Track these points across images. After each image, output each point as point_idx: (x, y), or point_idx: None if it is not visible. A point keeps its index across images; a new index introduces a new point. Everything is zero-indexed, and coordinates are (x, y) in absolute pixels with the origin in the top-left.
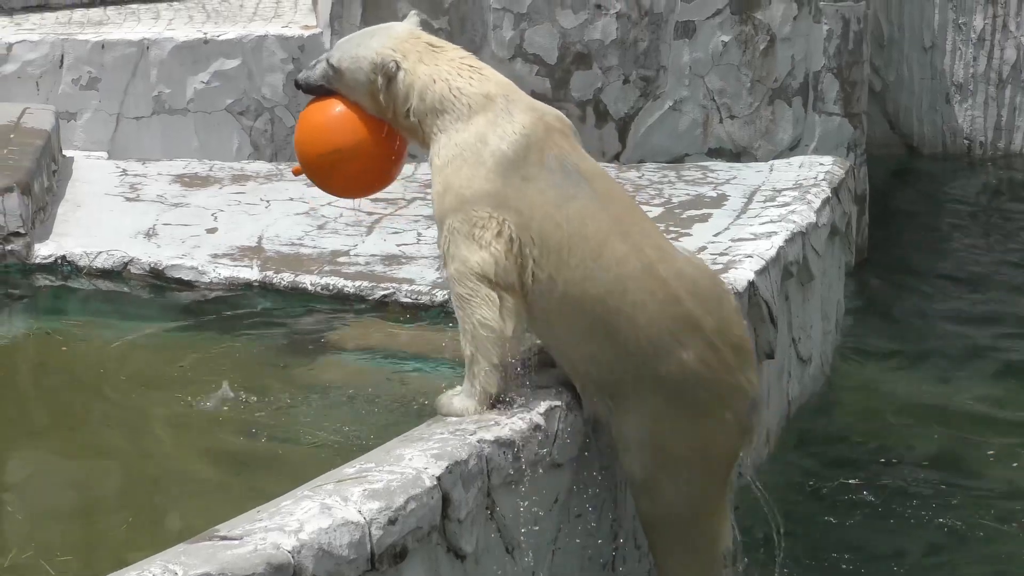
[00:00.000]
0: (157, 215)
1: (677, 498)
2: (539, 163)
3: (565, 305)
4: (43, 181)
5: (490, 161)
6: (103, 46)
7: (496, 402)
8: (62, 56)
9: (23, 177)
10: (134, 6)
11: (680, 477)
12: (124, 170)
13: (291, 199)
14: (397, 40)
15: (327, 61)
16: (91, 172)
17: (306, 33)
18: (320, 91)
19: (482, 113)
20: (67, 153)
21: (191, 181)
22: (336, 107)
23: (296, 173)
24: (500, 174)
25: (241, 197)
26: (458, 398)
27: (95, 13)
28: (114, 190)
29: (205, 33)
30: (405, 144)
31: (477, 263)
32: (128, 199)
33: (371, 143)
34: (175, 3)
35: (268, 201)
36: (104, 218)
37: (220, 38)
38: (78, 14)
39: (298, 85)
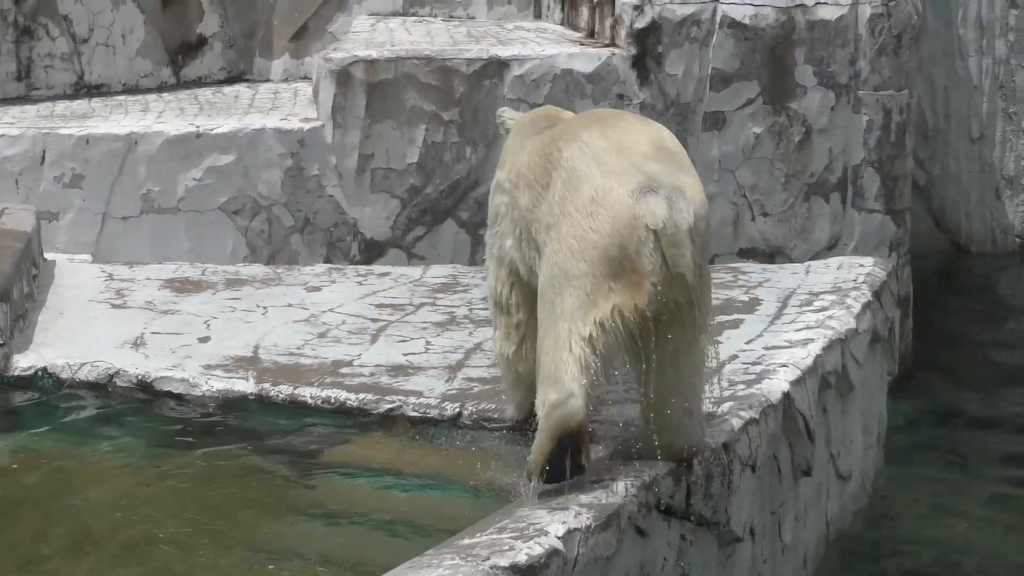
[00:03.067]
0: (145, 323)
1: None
2: None
3: None
4: (23, 287)
5: None
6: (88, 141)
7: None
8: (44, 151)
9: (1, 283)
10: (121, 98)
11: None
12: (110, 274)
13: (290, 305)
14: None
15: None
16: (75, 277)
17: (306, 126)
18: None
19: None
20: (49, 256)
21: (182, 286)
22: None
23: None
24: None
25: (236, 303)
26: None
27: (79, 105)
28: (99, 296)
29: (198, 126)
30: None
31: None
32: (114, 306)
33: None
34: (165, 94)
35: (265, 308)
36: (88, 327)
37: (214, 131)
38: (61, 106)
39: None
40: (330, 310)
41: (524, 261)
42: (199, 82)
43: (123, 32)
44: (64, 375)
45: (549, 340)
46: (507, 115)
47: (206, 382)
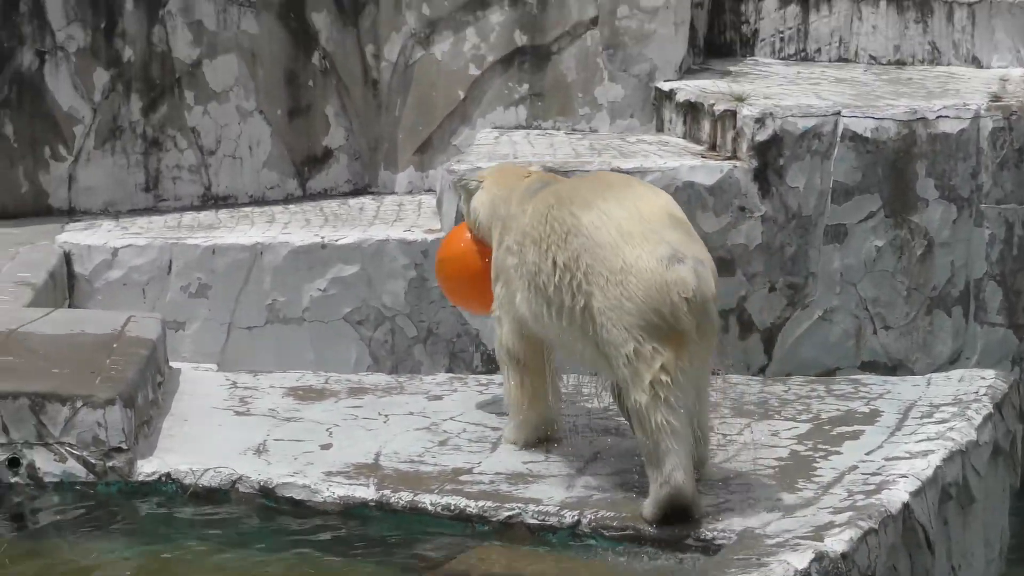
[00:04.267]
0: (268, 430)
1: None
2: None
3: None
4: (147, 393)
5: None
6: (214, 251)
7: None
8: (170, 261)
9: (126, 389)
10: (247, 209)
11: None
12: (234, 382)
13: (411, 413)
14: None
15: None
16: (199, 384)
17: (430, 237)
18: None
19: None
20: (174, 364)
21: (305, 394)
22: (460, 230)
23: None
24: None
25: (358, 411)
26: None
27: (206, 216)
28: (223, 404)
29: (322, 237)
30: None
31: None
32: (238, 413)
33: (460, 260)
34: (291, 206)
35: (386, 416)
36: (212, 433)
37: (338, 242)
38: (188, 217)
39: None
40: (451, 418)
41: (531, 311)
42: (325, 194)
43: (250, 144)
44: (187, 481)
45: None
46: (468, 176)
47: (327, 488)
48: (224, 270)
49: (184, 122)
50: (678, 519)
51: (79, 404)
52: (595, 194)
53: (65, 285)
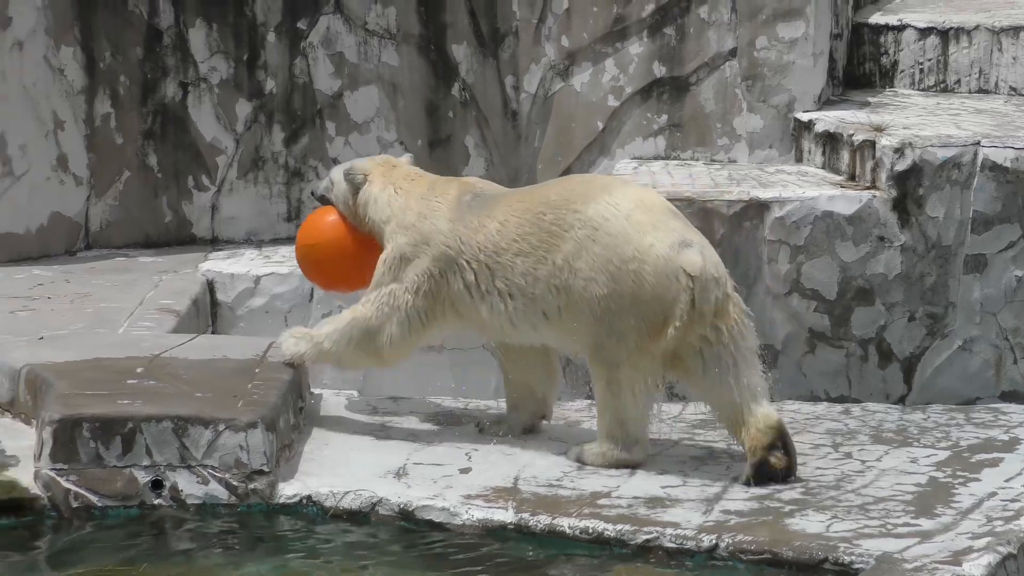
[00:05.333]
0: (408, 454)
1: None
2: None
3: None
4: (289, 417)
5: None
6: None
7: None
8: (312, 289)
9: (268, 413)
10: None
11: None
12: (375, 408)
13: (550, 439)
14: (373, 163)
15: (329, 176)
16: (340, 410)
17: None
18: (324, 201)
19: None
20: (315, 390)
21: (445, 419)
22: (325, 213)
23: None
24: None
25: (496, 436)
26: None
27: None
28: (363, 428)
29: None
30: (376, 252)
31: None
32: (378, 438)
33: (336, 243)
34: None
35: (525, 441)
36: (352, 457)
37: None
38: None
39: (312, 193)
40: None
41: (509, 322)
42: None
43: None
44: (328, 503)
45: (626, 396)
46: (358, 167)
47: (466, 511)
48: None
49: (325, 153)
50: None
51: (221, 427)
52: (593, 191)
53: (208, 312)
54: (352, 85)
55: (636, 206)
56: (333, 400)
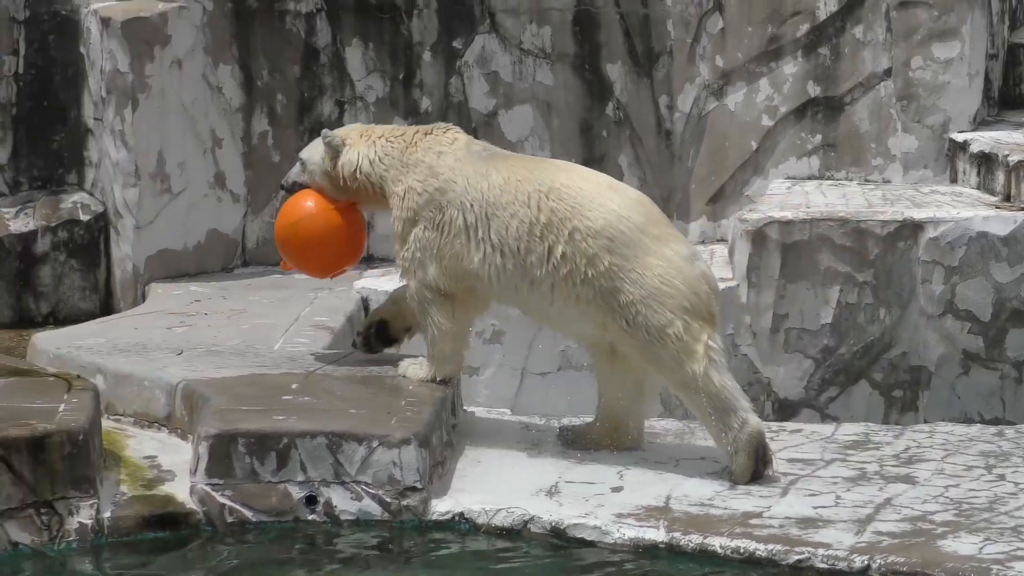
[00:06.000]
0: (560, 472)
1: None
2: None
3: None
4: (442, 435)
5: None
6: None
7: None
8: None
9: (421, 429)
10: None
11: None
12: (526, 425)
13: (702, 458)
14: (345, 129)
15: (299, 159)
16: (492, 427)
17: (722, 286)
18: (296, 188)
19: None
20: (468, 408)
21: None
22: (303, 195)
23: (285, 268)
24: None
25: (649, 455)
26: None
27: None
28: (516, 446)
29: None
30: (361, 223)
31: None
32: (530, 455)
33: (323, 214)
34: None
35: (677, 460)
36: (504, 474)
37: None
38: None
39: (281, 187)
40: None
41: (498, 276)
42: None
43: None
44: (480, 520)
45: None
46: (333, 134)
47: (618, 530)
48: (518, 317)
49: None
50: (762, 463)
51: (375, 444)
52: (593, 190)
53: None
54: (507, 104)
55: (646, 219)
56: (485, 418)
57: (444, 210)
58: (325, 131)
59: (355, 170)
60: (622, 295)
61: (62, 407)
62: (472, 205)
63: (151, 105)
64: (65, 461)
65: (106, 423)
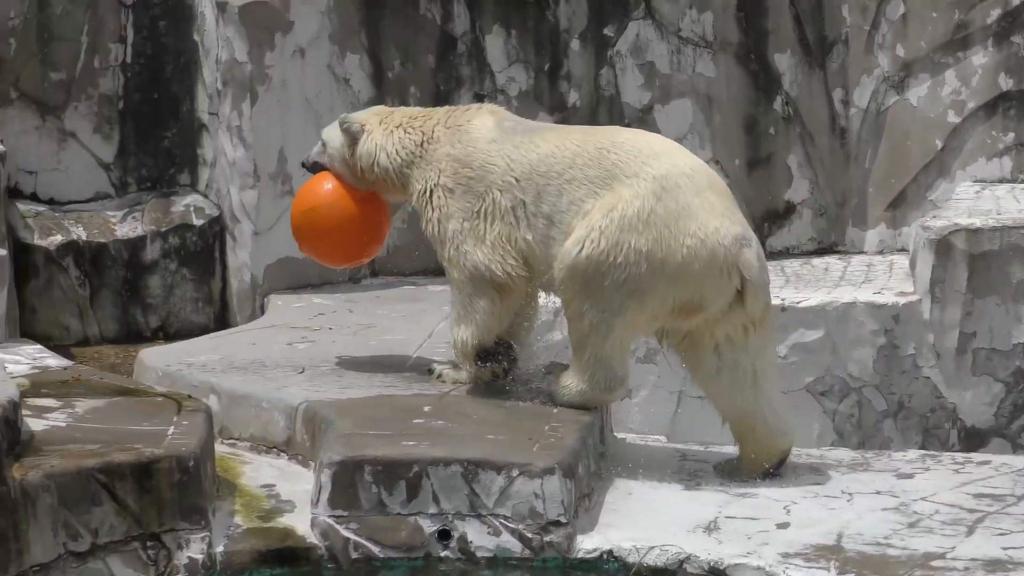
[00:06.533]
0: (720, 507)
1: None
2: None
3: None
4: (588, 464)
5: None
6: None
7: None
8: None
9: (566, 457)
10: None
11: None
12: (684, 455)
13: (878, 492)
14: (367, 112)
15: (320, 139)
16: (645, 456)
17: (902, 300)
18: (317, 168)
19: None
20: (618, 434)
21: None
22: (319, 178)
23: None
24: None
25: (819, 488)
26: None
27: None
28: (671, 477)
29: (783, 299)
30: (383, 212)
31: None
32: (687, 487)
33: (341, 202)
34: None
35: (851, 494)
36: (658, 508)
37: (800, 305)
38: None
39: (302, 165)
40: (923, 498)
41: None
42: (786, 252)
43: None
44: (631, 559)
45: (604, 339)
46: (352, 117)
47: (784, 571)
48: None
49: None
50: None
51: (515, 473)
52: (661, 146)
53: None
54: (663, 98)
55: (710, 184)
56: (637, 445)
57: (484, 196)
58: (344, 115)
59: (373, 163)
60: (648, 244)
61: (171, 430)
62: (518, 180)
63: (271, 98)
64: (174, 489)
65: (219, 448)
